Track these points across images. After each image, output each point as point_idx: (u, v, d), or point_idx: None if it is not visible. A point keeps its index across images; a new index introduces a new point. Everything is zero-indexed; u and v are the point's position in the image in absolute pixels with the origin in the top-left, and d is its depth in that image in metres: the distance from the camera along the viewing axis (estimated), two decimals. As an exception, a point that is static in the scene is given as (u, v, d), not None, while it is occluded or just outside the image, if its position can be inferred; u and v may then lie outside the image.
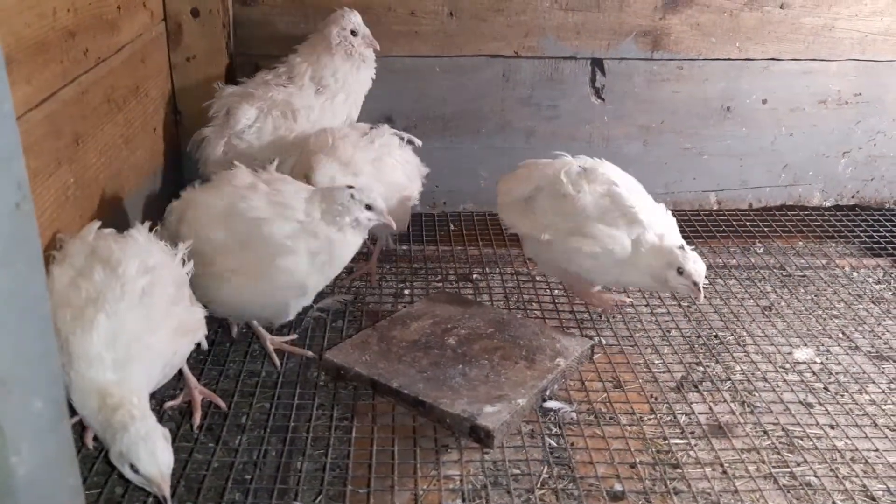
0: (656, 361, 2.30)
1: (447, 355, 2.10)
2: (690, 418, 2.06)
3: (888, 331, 2.50)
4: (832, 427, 2.04)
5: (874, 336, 2.47)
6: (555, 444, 1.95)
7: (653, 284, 2.27)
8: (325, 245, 2.01)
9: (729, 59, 3.04)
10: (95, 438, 1.84)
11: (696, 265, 2.16)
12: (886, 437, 2.00)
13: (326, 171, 2.30)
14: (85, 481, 1.77)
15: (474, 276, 2.79)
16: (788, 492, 1.81)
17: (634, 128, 3.12)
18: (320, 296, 2.35)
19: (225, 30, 2.81)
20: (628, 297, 2.60)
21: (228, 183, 2.10)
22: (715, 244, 3.02)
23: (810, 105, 3.12)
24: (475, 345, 2.15)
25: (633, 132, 3.12)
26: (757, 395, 2.16)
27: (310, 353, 2.24)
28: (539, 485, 1.82)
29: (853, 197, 3.29)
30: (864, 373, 2.27)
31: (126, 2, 2.36)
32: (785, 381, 2.22)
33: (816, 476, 1.86)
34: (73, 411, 1.65)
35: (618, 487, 1.81)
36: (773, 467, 1.88)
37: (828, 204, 3.29)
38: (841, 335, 2.47)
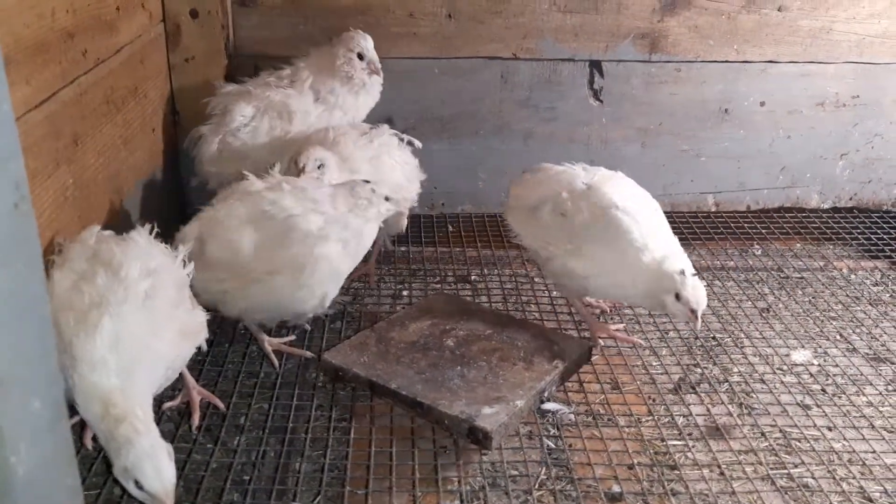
0: (654, 363, 2.30)
1: (445, 357, 2.11)
2: (688, 420, 2.06)
3: (885, 333, 2.51)
4: (830, 429, 2.04)
5: (871, 338, 2.48)
6: (553, 446, 1.95)
7: (654, 306, 2.23)
8: (354, 235, 2.11)
9: (727, 62, 3.04)
10: (94, 439, 1.84)
11: (695, 292, 2.07)
12: (884, 438, 2.00)
13: (312, 154, 2.31)
14: (84, 482, 1.77)
15: (473, 277, 2.79)
16: (786, 493, 1.81)
17: (632, 130, 3.12)
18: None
19: (224, 31, 2.82)
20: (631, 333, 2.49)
21: (247, 192, 2.12)
22: (713, 246, 3.03)
23: (808, 107, 3.13)
24: (473, 346, 2.15)
25: (631, 134, 3.13)
26: (754, 396, 2.16)
27: (308, 354, 2.24)
28: (537, 486, 1.82)
29: (851, 199, 3.30)
30: (861, 375, 2.27)
31: (125, 3, 2.36)
32: (782, 382, 2.23)
33: (814, 477, 1.86)
34: (72, 411, 1.65)
35: (615, 489, 1.82)
36: (771, 469, 1.89)
37: (825, 206, 3.30)
38: (838, 337, 2.47)
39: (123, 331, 1.63)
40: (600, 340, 2.36)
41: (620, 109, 3.08)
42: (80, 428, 1.85)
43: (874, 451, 1.95)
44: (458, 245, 3.02)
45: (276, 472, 1.83)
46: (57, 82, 1.93)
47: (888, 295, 2.74)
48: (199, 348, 1.95)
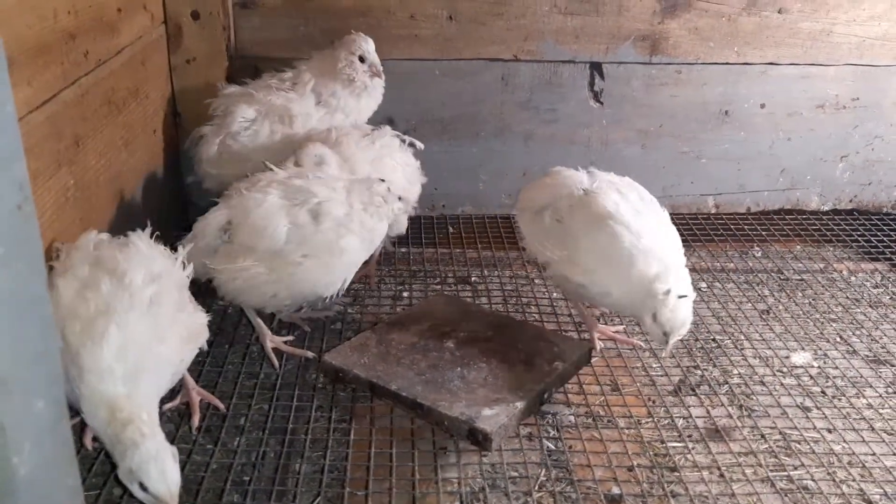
0: (654, 365, 2.30)
1: (446, 358, 2.11)
2: (688, 422, 2.07)
3: (885, 335, 2.51)
4: (829, 431, 2.04)
5: (872, 340, 2.48)
6: (553, 447, 1.95)
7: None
8: (368, 231, 2.16)
9: (727, 64, 3.05)
10: (95, 439, 1.85)
11: (672, 315, 2.00)
12: (884, 441, 2.00)
13: (311, 150, 2.33)
14: (84, 482, 1.77)
15: (473, 278, 2.79)
16: (785, 495, 1.81)
17: (633, 132, 3.12)
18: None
19: (225, 32, 2.82)
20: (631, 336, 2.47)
21: (272, 181, 2.15)
22: (713, 248, 3.03)
23: (808, 109, 3.13)
24: (474, 348, 2.15)
25: (632, 136, 3.13)
26: (754, 398, 2.17)
27: (309, 354, 2.25)
28: (537, 488, 1.82)
29: (851, 201, 3.30)
30: (861, 377, 2.28)
31: (126, 4, 2.37)
32: (782, 384, 2.23)
33: (813, 480, 1.86)
34: (73, 412, 1.66)
35: (615, 490, 1.82)
36: (771, 471, 1.89)
37: (825, 208, 3.30)
38: (838, 339, 2.48)
39: (129, 338, 1.63)
40: (599, 342, 2.36)
41: (621, 111, 3.09)
42: (80, 428, 1.85)
43: (874, 454, 1.95)
44: (459, 246, 3.02)
45: (276, 472, 1.83)
46: (58, 83, 1.94)
47: (888, 297, 2.74)
48: (199, 349, 1.95)
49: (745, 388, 2.21)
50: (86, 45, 2.08)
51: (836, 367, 2.32)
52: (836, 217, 3.26)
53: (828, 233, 3.16)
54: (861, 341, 2.47)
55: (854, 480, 1.86)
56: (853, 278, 2.86)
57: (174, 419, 2.00)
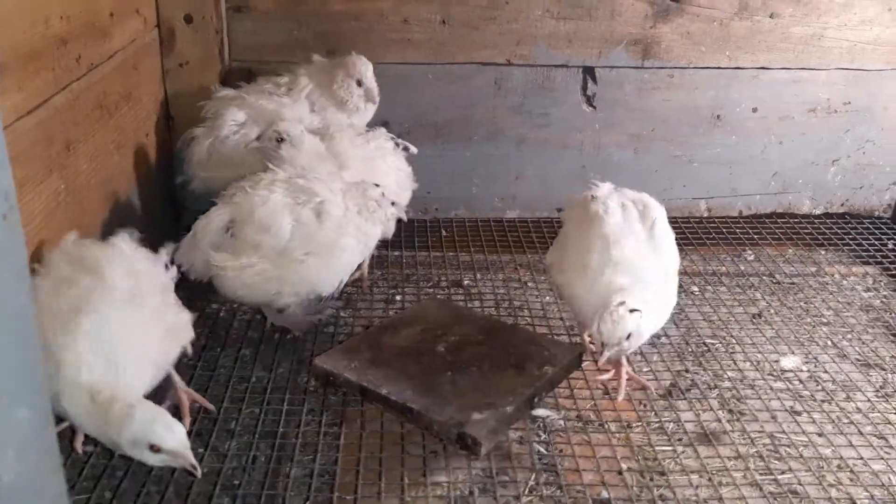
0: (645, 369, 2.31)
1: (437, 362, 2.11)
2: (678, 426, 2.07)
3: (876, 339, 2.52)
4: (819, 435, 2.05)
5: (862, 344, 2.49)
6: (542, 451, 1.96)
7: None
8: (362, 236, 2.23)
9: (719, 68, 3.06)
10: (86, 442, 1.85)
11: (613, 326, 1.95)
12: (871, 445, 2.01)
13: (278, 126, 2.40)
14: (73, 486, 1.77)
15: (466, 282, 2.80)
16: (774, 499, 1.82)
17: (625, 136, 3.13)
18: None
19: (218, 36, 2.82)
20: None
21: (274, 180, 2.19)
22: (705, 251, 3.04)
23: (800, 113, 3.14)
24: (465, 352, 2.16)
25: (624, 140, 3.14)
26: (744, 402, 2.17)
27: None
28: (526, 492, 1.83)
29: (842, 205, 3.31)
30: (851, 381, 2.28)
31: (119, 9, 2.37)
32: (772, 388, 2.24)
33: (801, 484, 1.87)
34: (59, 419, 1.67)
35: (604, 495, 1.83)
36: (759, 475, 1.90)
37: (817, 212, 3.31)
38: (829, 343, 2.49)
39: (105, 330, 1.63)
40: (592, 346, 2.37)
41: (613, 115, 3.09)
42: (70, 433, 1.85)
43: (862, 458, 1.96)
44: (452, 250, 3.03)
45: (265, 476, 1.83)
46: (49, 89, 1.94)
47: (879, 301, 2.75)
48: (188, 355, 1.95)
49: (735, 392, 2.21)
50: (78, 50, 2.09)
51: (827, 371, 2.32)
52: (827, 221, 3.27)
53: (819, 237, 3.17)
54: (851, 345, 2.48)
55: (842, 485, 1.87)
56: (844, 282, 2.87)
57: (165, 423, 2.00)
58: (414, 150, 2.61)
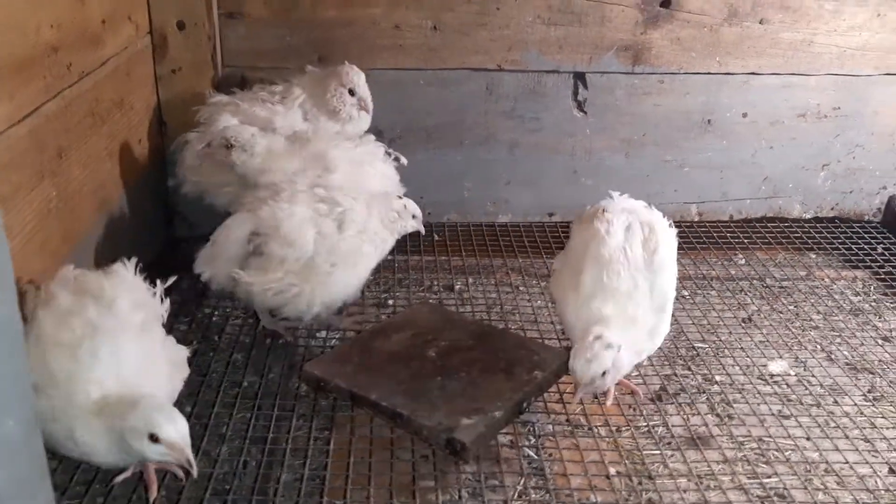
0: (634, 373, 2.31)
1: (427, 367, 2.12)
2: (667, 430, 2.09)
3: (864, 343, 2.54)
4: (806, 439, 2.07)
5: (851, 348, 2.50)
6: (532, 456, 1.98)
7: None
8: (380, 242, 2.29)
9: (709, 73, 3.07)
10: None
11: (586, 364, 1.91)
12: (857, 449, 2.03)
13: (243, 128, 2.47)
14: (65, 492, 1.79)
15: (457, 286, 2.81)
16: (762, 501, 1.84)
17: (616, 140, 3.15)
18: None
19: (210, 42, 2.83)
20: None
21: (296, 191, 2.21)
22: (696, 255, 3.06)
23: (790, 118, 3.16)
24: (455, 357, 2.17)
25: (616, 145, 3.15)
26: (733, 406, 2.19)
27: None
28: (515, 496, 1.84)
29: (833, 209, 3.32)
30: (839, 385, 2.30)
31: (110, 16, 2.38)
32: (761, 392, 2.25)
33: (786, 488, 1.89)
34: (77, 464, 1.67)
35: (593, 499, 1.84)
36: (747, 479, 1.91)
37: (808, 216, 3.33)
38: (818, 347, 2.50)
39: (122, 361, 1.62)
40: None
41: (604, 120, 3.11)
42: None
43: (848, 462, 1.98)
44: (444, 254, 3.04)
45: (255, 481, 1.85)
46: (41, 97, 1.95)
47: (868, 305, 2.77)
48: None
49: (724, 397, 2.23)
50: (69, 58, 2.10)
51: (815, 376, 2.34)
52: (818, 225, 3.28)
53: (809, 241, 3.18)
54: (840, 349, 2.50)
55: (828, 489, 1.89)
56: (834, 286, 2.89)
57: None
58: (404, 161, 2.61)
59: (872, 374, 2.37)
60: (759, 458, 1.99)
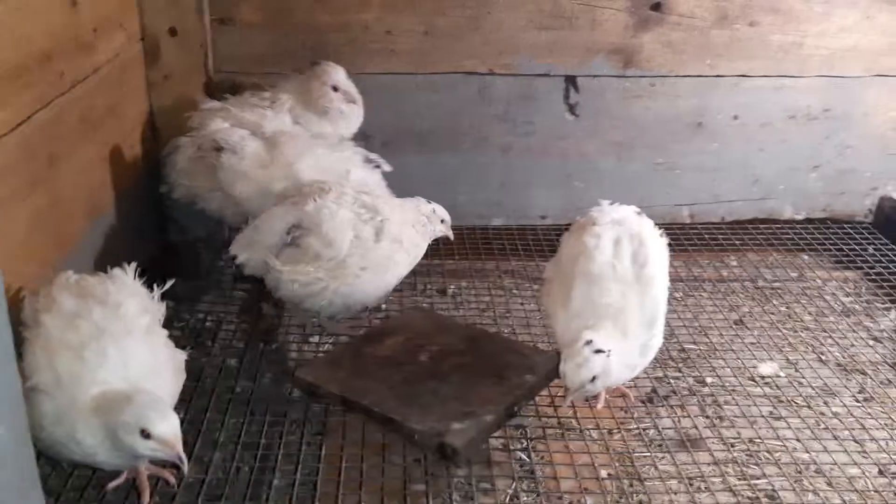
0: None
1: (418, 372, 2.13)
2: (658, 432, 2.10)
3: (855, 343, 2.55)
4: (797, 440, 2.08)
5: (841, 349, 2.52)
6: (524, 459, 1.99)
7: None
8: (413, 248, 2.35)
9: (700, 76, 3.08)
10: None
11: (576, 369, 1.90)
12: (846, 450, 2.04)
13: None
14: (59, 498, 1.79)
15: (451, 289, 2.82)
16: (753, 502, 1.85)
17: (608, 143, 3.16)
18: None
19: (202, 48, 2.84)
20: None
21: (342, 193, 2.25)
22: (687, 257, 3.07)
23: (780, 120, 3.17)
24: (447, 361, 2.18)
25: (607, 148, 3.16)
26: (724, 408, 2.21)
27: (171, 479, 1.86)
28: (507, 499, 1.85)
29: (824, 210, 3.33)
30: (829, 386, 2.32)
31: (102, 24, 2.39)
32: (752, 394, 2.27)
33: (774, 489, 1.90)
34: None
35: (584, 502, 1.85)
36: (737, 480, 1.93)
37: (799, 217, 3.34)
38: (810, 348, 2.52)
39: (130, 361, 1.64)
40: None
41: (596, 123, 3.12)
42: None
43: (837, 463, 1.99)
44: (437, 257, 3.03)
45: (248, 487, 1.85)
46: (33, 105, 1.96)
47: (859, 306, 2.79)
48: None
49: (715, 398, 2.25)
50: (61, 66, 2.11)
51: (806, 377, 2.36)
52: (809, 226, 3.29)
53: (801, 242, 3.19)
54: (831, 350, 2.51)
55: (817, 490, 1.90)
56: (826, 287, 2.90)
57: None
58: (387, 167, 2.58)
59: (863, 374, 2.39)
60: (749, 459, 2.01)
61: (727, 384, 2.31)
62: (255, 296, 2.61)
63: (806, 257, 3.11)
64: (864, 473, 1.97)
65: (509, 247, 3.12)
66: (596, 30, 2.99)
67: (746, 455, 2.02)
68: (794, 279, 2.95)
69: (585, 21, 2.97)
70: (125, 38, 2.61)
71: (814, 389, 2.30)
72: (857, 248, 3.13)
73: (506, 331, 2.55)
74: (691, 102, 3.12)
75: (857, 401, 2.26)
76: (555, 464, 1.97)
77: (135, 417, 1.53)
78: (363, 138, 2.80)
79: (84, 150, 2.28)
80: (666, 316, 2.56)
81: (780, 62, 3.09)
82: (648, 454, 2.02)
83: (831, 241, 3.18)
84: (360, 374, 2.11)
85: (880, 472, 1.98)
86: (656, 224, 3.13)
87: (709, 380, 2.33)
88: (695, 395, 2.26)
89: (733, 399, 2.24)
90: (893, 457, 2.03)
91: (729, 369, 2.38)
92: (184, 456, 1.57)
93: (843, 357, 2.47)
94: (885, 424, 2.16)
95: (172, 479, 1.82)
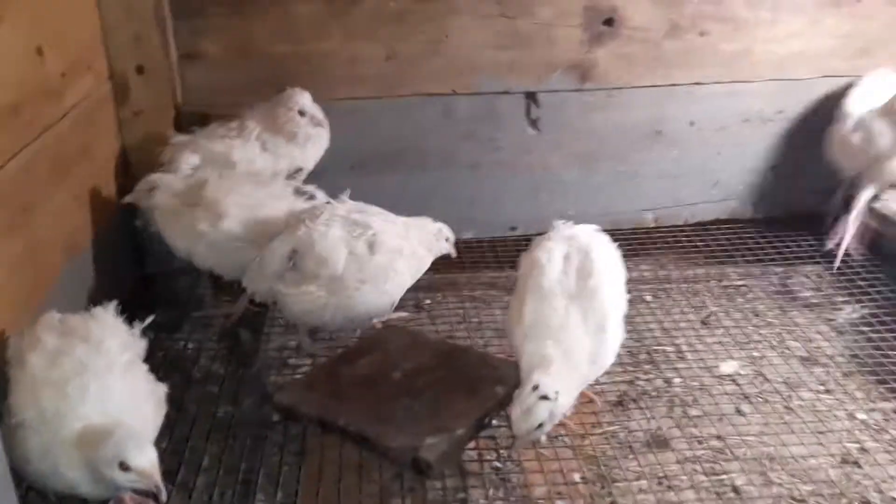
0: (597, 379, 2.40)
1: (392, 390, 2.19)
2: (628, 434, 2.17)
3: (819, 334, 2.64)
4: (764, 434, 2.16)
5: (806, 341, 2.61)
6: (499, 466, 2.05)
7: None
8: (416, 261, 2.48)
9: (655, 86, 3.17)
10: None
11: (522, 416, 1.85)
12: (806, 443, 2.13)
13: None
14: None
15: (427, 302, 2.87)
16: (719, 499, 1.93)
17: (571, 155, 3.24)
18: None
19: (170, 84, 2.90)
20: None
21: (332, 215, 2.37)
22: (653, 260, 3.14)
23: (735, 124, 3.26)
24: (420, 378, 2.24)
25: (570, 160, 3.24)
26: (694, 406, 2.28)
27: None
28: (482, 508, 1.92)
29: (783, 209, 3.42)
30: (795, 378, 2.41)
31: (70, 68, 2.43)
32: (718, 392, 2.35)
33: (743, 484, 1.98)
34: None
35: (555, 506, 1.92)
36: (705, 476, 2.00)
37: (759, 216, 3.43)
38: (775, 342, 2.60)
39: (109, 399, 1.69)
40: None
41: (558, 137, 3.20)
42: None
43: (803, 455, 2.08)
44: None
45: (231, 510, 1.92)
46: (3, 156, 1.99)
47: (821, 298, 2.86)
48: None
49: (684, 397, 2.32)
50: (30, 115, 2.14)
51: (771, 372, 2.44)
52: (770, 224, 3.38)
53: (762, 240, 3.26)
54: (796, 342, 2.60)
55: (783, 483, 1.98)
56: (789, 281, 2.99)
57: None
58: (322, 198, 2.57)
59: (825, 367, 2.47)
60: (717, 455, 2.09)
61: (696, 382, 2.38)
62: (233, 324, 2.67)
63: (768, 255, 3.18)
64: (827, 463, 2.05)
65: (480, 259, 3.19)
66: (552, 47, 3.07)
67: (715, 451, 2.09)
68: (757, 276, 3.03)
69: (541, 39, 3.05)
70: (93, 78, 2.66)
71: (779, 383, 2.37)
72: (815, 242, 3.20)
73: (480, 341, 2.61)
74: (649, 112, 3.21)
75: (820, 392, 2.34)
76: (528, 472, 2.03)
77: (113, 451, 1.59)
78: (337, 163, 2.87)
79: (58, 193, 2.32)
80: (635, 319, 2.66)
81: (732, 69, 3.18)
82: (622, 454, 2.09)
83: (791, 238, 3.26)
84: (335, 395, 2.17)
85: (843, 461, 2.06)
86: (622, 230, 3.25)
87: (677, 380, 2.40)
88: (665, 394, 2.33)
89: (704, 395, 2.32)
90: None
91: (696, 368, 2.45)
92: (161, 485, 1.62)
93: (808, 348, 2.56)
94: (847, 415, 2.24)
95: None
